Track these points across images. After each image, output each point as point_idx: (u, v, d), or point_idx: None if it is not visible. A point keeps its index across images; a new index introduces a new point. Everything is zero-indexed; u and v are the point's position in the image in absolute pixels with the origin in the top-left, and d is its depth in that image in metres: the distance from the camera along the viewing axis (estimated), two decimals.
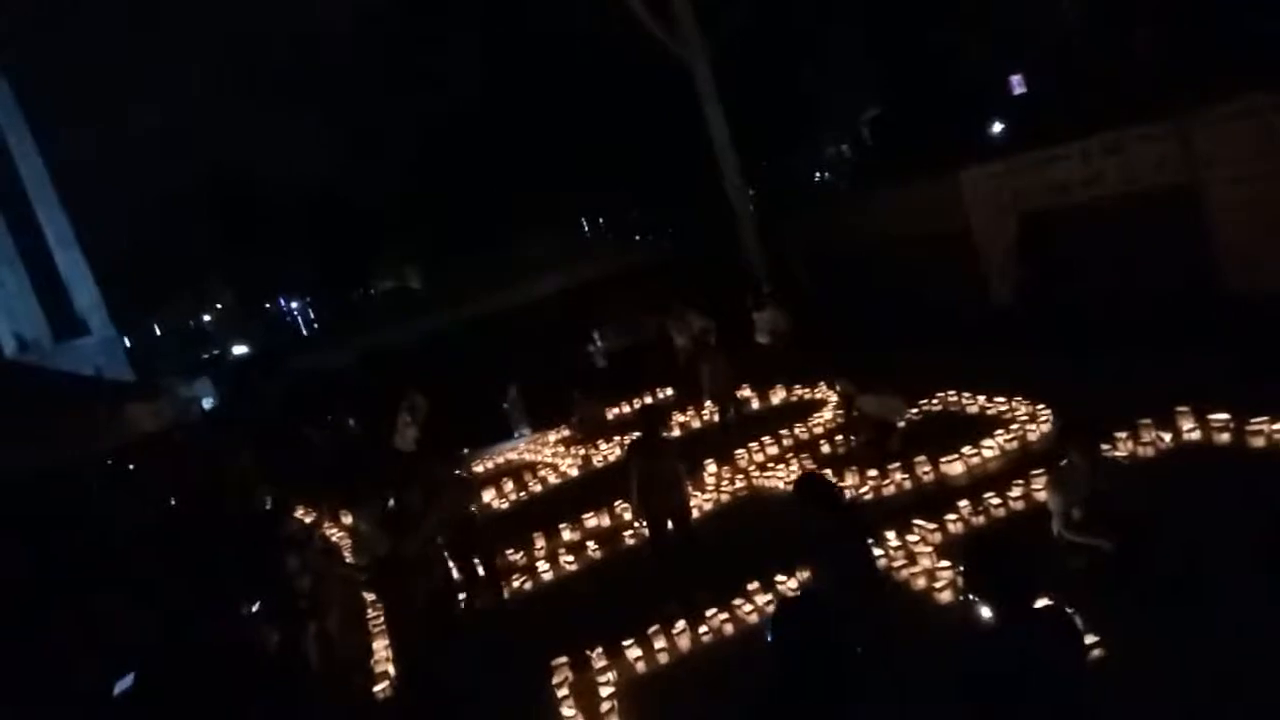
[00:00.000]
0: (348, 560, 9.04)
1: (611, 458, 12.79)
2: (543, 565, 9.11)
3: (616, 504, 9.96)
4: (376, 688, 7.42)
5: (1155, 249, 10.85)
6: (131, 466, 14.12)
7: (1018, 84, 23.72)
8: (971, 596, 3.18)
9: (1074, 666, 3.09)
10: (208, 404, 29.68)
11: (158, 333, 48.49)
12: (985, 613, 3.17)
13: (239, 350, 46.26)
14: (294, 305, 48.97)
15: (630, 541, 9.21)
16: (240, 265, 42.99)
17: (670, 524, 7.80)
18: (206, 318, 49.23)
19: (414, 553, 7.20)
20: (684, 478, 8.05)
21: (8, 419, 12.59)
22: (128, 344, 45.49)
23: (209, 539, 9.25)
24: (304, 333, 47.41)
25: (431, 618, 6.88)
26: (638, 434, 8.40)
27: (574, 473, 12.72)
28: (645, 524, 8.10)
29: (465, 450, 8.16)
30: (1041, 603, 4.77)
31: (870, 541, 5.79)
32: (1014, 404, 9.52)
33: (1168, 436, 7.63)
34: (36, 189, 47.16)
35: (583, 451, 13.24)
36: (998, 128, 22.60)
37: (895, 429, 9.57)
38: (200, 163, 41.71)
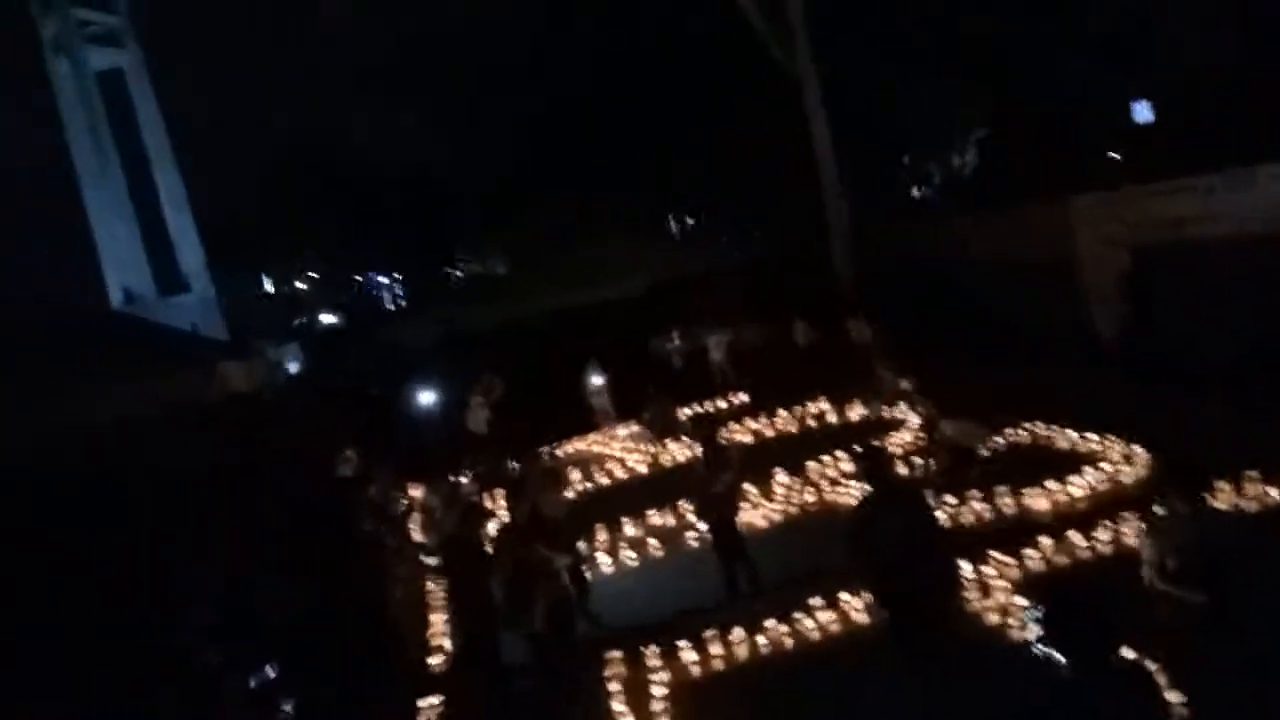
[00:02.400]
0: (414, 536, 9.20)
1: (680, 458, 12.71)
2: (603, 557, 9.08)
3: (681, 504, 9.88)
4: (432, 660, 7.49)
5: (1275, 294, 10.21)
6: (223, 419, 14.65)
7: (1141, 110, 22.69)
8: (1045, 645, 2.99)
9: None
10: (293, 368, 30.73)
11: (253, 296, 50.38)
12: (1060, 660, 2.99)
13: (327, 319, 47.72)
14: (382, 280, 50.27)
15: (693, 543, 9.12)
16: (336, 238, 44.34)
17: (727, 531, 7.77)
18: (301, 285, 50.94)
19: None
20: (736, 486, 8.07)
21: (114, 366, 13.25)
22: (225, 305, 47.41)
23: (291, 498, 9.52)
24: (391, 308, 48.56)
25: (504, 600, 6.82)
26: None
27: (642, 469, 12.67)
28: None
29: (548, 446, 8.14)
30: (1122, 655, 4.57)
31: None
32: (1107, 442, 9.09)
33: (1274, 492, 7.16)
34: (157, 153, 49.66)
35: (652, 449, 13.19)
36: (1114, 156, 21.70)
37: (976, 457, 9.24)
38: (308, 139, 43.05)
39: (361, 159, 42.45)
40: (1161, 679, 4.98)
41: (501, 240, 41.75)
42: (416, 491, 11.41)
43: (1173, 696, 4.90)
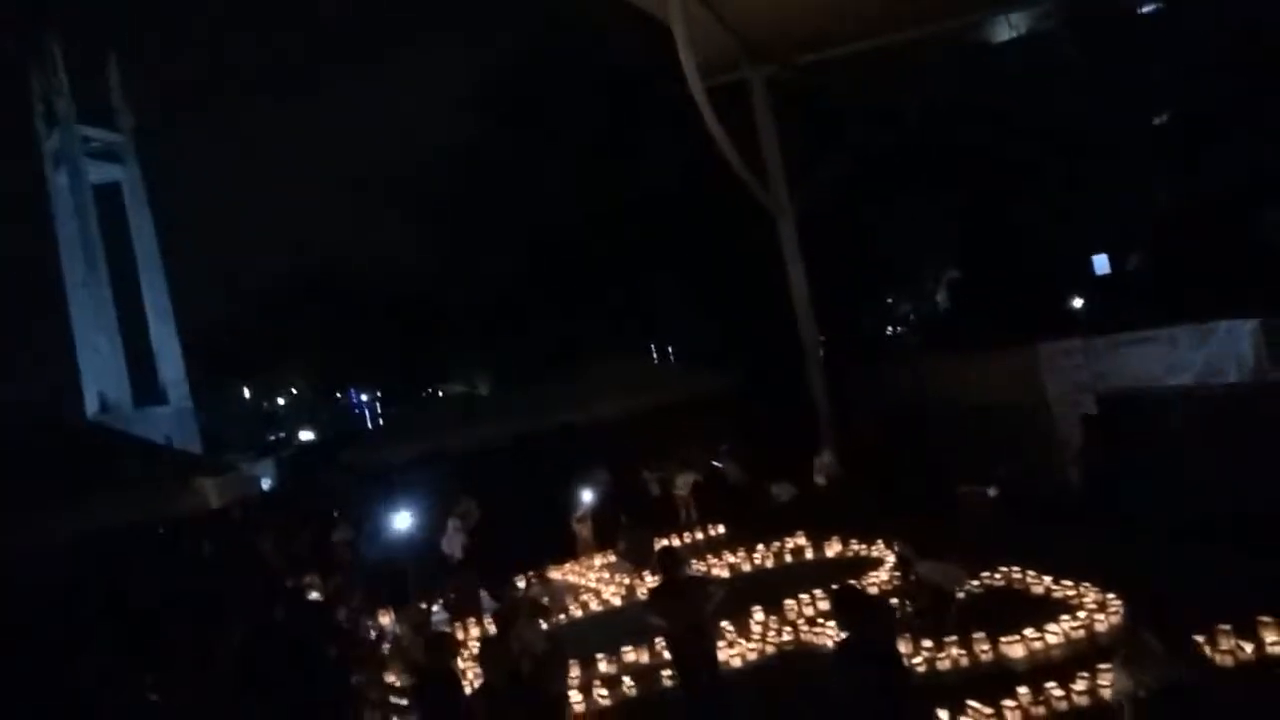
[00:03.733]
0: (383, 672, 8.95)
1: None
2: (575, 696, 8.84)
3: (657, 640, 9.72)
4: None
5: (1248, 446, 10.48)
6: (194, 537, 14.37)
7: (1101, 264, 23.79)
8: None
9: None
10: (266, 484, 30.27)
11: (231, 410, 50.12)
12: None
13: (305, 436, 47.37)
14: (363, 398, 50.27)
15: (668, 683, 8.92)
16: (318, 354, 44.59)
17: (702, 670, 7.49)
18: (280, 400, 50.80)
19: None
20: (707, 621, 7.67)
21: (83, 478, 13.07)
22: (201, 418, 47.04)
23: (256, 616, 9.29)
24: (369, 426, 48.39)
25: None
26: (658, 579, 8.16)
27: (617, 601, 12.48)
28: (677, 670, 7.81)
29: (527, 575, 7.95)
30: None
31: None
32: (1082, 589, 9.14)
33: (1248, 647, 7.20)
34: (146, 265, 50.36)
35: (628, 580, 13.04)
36: (1078, 303, 22.56)
37: (953, 599, 9.23)
38: (298, 254, 44.01)
39: (349, 275, 43.19)
40: None
41: (486, 361, 42.12)
42: (385, 619, 11.18)
43: None
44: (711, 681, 7.52)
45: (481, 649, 6.35)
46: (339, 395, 49.82)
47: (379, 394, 49.10)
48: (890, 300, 31.76)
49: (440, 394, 45.15)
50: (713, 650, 7.70)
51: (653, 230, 28.28)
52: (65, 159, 48.56)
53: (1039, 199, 22.96)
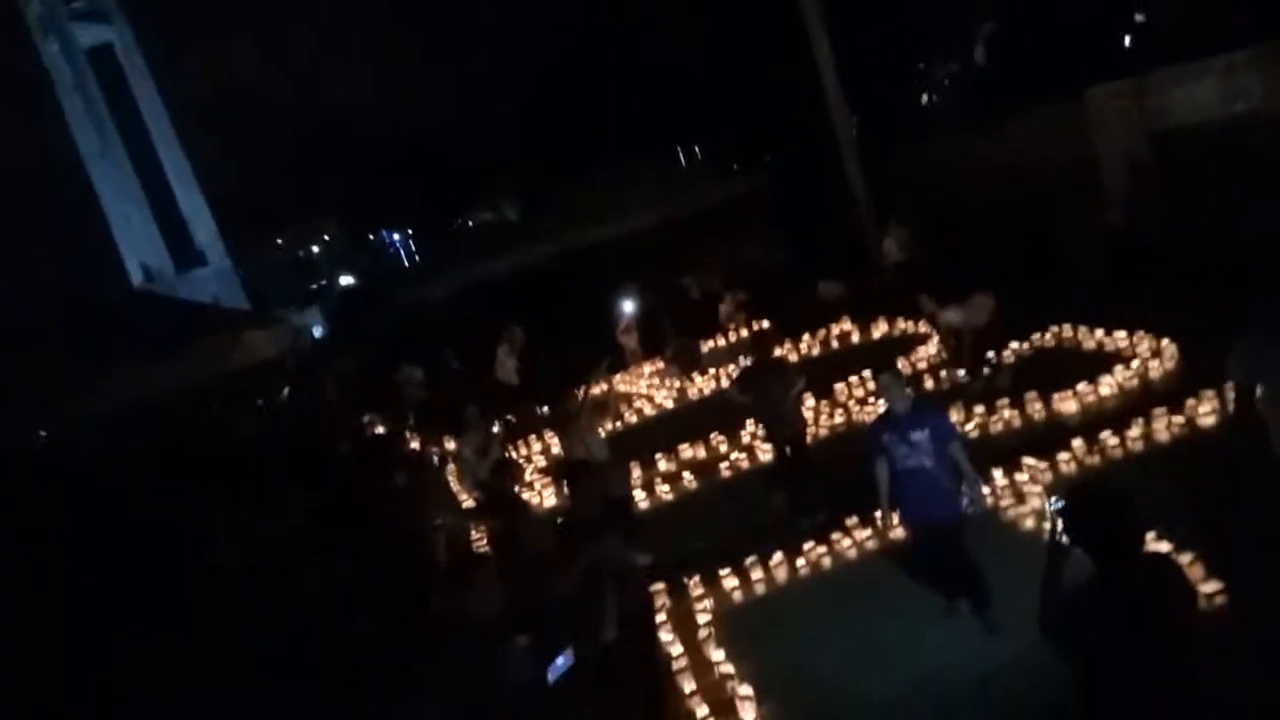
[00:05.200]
0: (453, 487, 9.35)
1: (707, 390, 12.77)
2: (639, 494, 9.20)
3: (712, 436, 9.98)
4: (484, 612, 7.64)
5: None
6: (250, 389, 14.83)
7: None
8: (1067, 539, 2.98)
9: (1177, 618, 2.92)
10: (318, 332, 30.99)
11: (269, 264, 50.62)
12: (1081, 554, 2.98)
13: (345, 280, 47.94)
14: (396, 237, 50.24)
15: (726, 474, 9.22)
16: (345, 199, 44.28)
17: (788, 448, 7.87)
18: (315, 249, 51.06)
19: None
20: (797, 399, 8.10)
21: (140, 344, 13.43)
22: (242, 275, 47.69)
23: (322, 460, 9.69)
24: (406, 264, 48.67)
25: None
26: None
27: (669, 405, 12.75)
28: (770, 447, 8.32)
29: (583, 391, 8.08)
30: (1152, 547, 4.57)
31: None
32: (1135, 339, 9.01)
33: None
34: (158, 130, 49.48)
35: (678, 384, 13.25)
36: (1128, 42, 20.97)
37: (993, 334, 9.33)
38: (310, 103, 42.75)
39: (363, 117, 42.09)
40: (1198, 569, 5.05)
41: (510, 185, 41.45)
42: (450, 444, 11.58)
43: (1209, 587, 4.95)
44: (797, 453, 7.89)
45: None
46: (371, 237, 49.80)
47: (410, 231, 48.99)
48: (923, 66, 29.87)
49: (470, 223, 44.89)
50: (799, 425, 8.07)
51: (666, 28, 26.64)
52: (52, 25, 46.85)
53: None
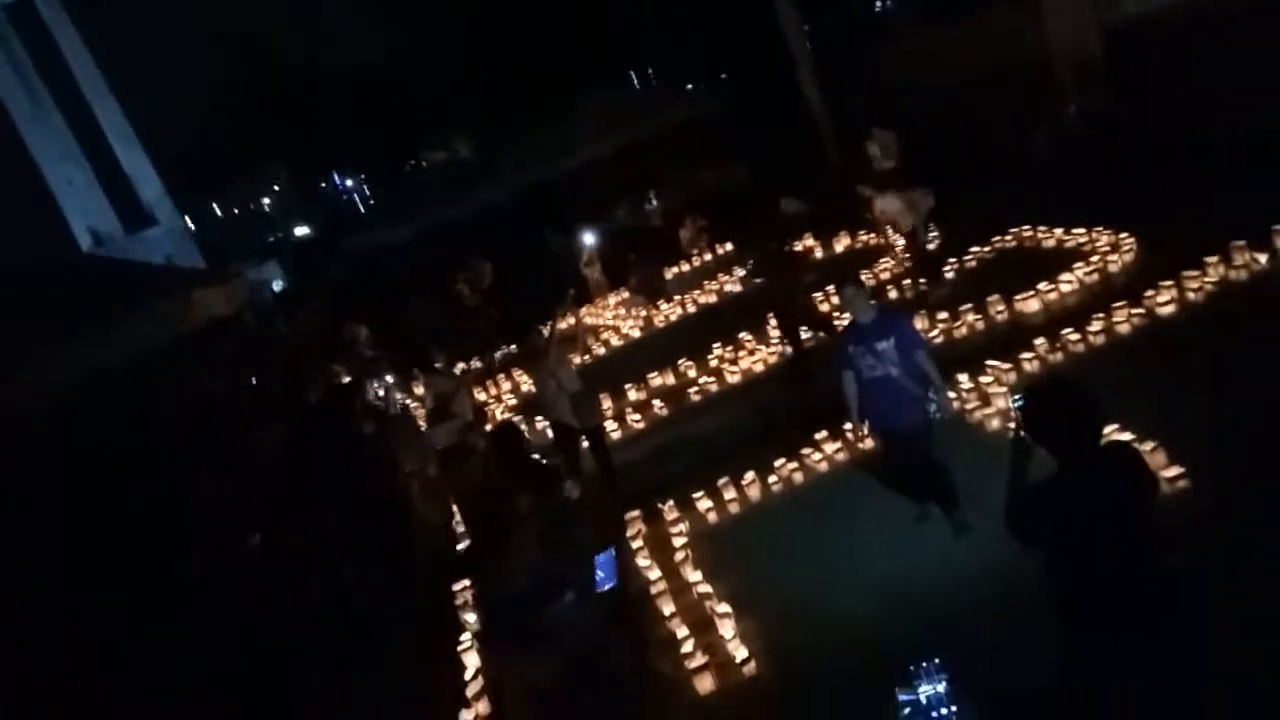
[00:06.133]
0: (422, 429, 9.28)
1: (673, 318, 12.72)
2: (611, 425, 9.18)
3: (680, 362, 9.96)
4: (459, 546, 7.70)
5: (1260, 61, 9.81)
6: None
7: None
8: (1028, 433, 2.98)
9: (1140, 504, 2.96)
10: (277, 286, 30.41)
11: (224, 219, 49.31)
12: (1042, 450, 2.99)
13: (300, 231, 46.92)
14: (349, 183, 49.01)
15: (695, 398, 9.23)
16: (292, 147, 43.00)
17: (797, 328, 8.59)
18: (266, 201, 49.73)
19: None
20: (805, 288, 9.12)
21: (92, 310, 13.07)
22: (196, 232, 46.43)
23: (290, 412, 9.56)
24: (361, 209, 47.63)
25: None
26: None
27: (636, 334, 12.70)
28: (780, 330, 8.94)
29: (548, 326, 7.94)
30: (1115, 437, 4.63)
31: None
32: (1094, 234, 9.04)
33: (1263, 258, 7.15)
34: (90, 87, 47.35)
35: (643, 313, 13.17)
36: None
37: (928, 230, 9.75)
38: (247, 49, 40.99)
39: (304, 63, 40.61)
40: (1160, 456, 5.14)
41: (463, 122, 40.43)
42: (419, 389, 11.48)
43: (1170, 472, 5.04)
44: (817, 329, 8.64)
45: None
46: (323, 185, 48.54)
47: (363, 176, 47.78)
48: None
49: (424, 164, 43.89)
50: (813, 309, 9.03)
51: None
52: None
53: None
